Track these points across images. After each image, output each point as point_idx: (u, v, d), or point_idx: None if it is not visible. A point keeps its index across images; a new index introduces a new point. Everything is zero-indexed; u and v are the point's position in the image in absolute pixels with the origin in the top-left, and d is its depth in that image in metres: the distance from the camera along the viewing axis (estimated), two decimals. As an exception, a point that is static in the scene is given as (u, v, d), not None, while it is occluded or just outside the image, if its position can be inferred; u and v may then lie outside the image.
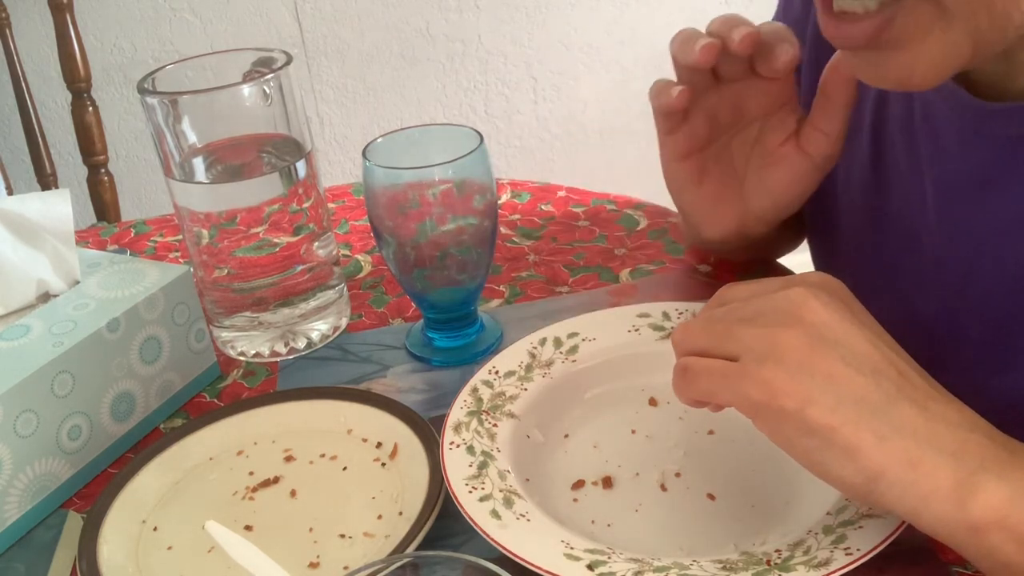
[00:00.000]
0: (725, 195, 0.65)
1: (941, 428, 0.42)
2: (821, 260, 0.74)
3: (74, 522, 0.58)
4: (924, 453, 0.41)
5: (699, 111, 0.63)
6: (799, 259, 0.77)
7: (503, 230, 0.85)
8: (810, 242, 0.76)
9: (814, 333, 0.43)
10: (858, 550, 0.45)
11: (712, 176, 0.65)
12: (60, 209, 0.66)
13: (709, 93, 0.62)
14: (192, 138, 0.65)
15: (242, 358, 0.71)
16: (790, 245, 0.81)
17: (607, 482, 0.55)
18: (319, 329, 0.71)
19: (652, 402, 0.61)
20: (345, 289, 0.74)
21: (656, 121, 0.64)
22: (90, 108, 1.52)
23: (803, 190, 0.63)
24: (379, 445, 0.59)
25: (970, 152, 0.54)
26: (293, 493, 0.57)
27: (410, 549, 0.49)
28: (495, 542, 0.48)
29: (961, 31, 0.44)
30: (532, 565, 0.46)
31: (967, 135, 0.50)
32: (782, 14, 0.73)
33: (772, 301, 0.46)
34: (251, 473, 0.59)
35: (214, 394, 0.68)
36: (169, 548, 0.54)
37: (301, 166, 0.67)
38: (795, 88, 0.62)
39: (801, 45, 0.59)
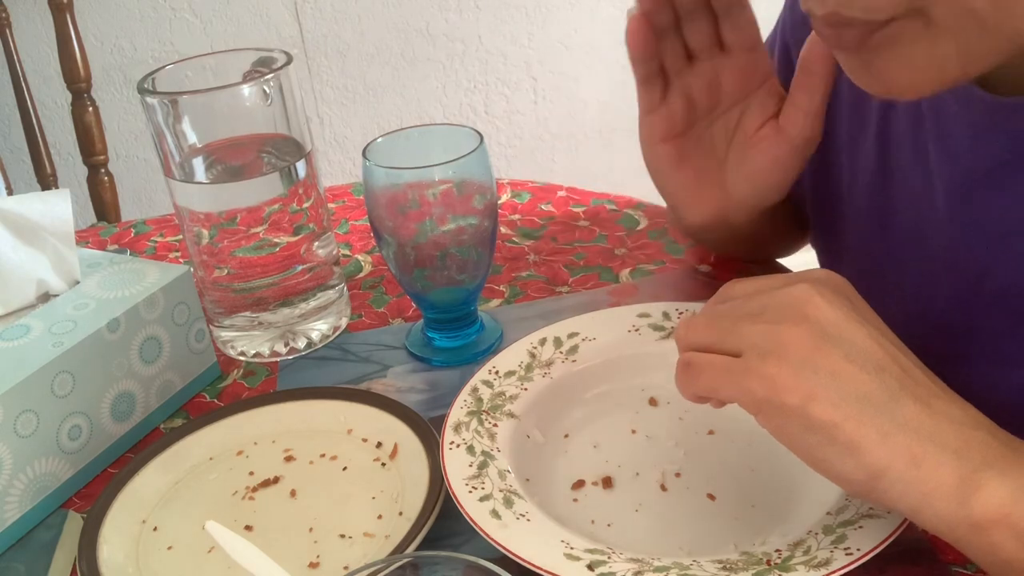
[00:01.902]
0: (705, 181, 0.65)
1: (944, 425, 0.42)
2: (828, 263, 0.74)
3: (74, 522, 0.58)
4: (927, 450, 0.41)
5: (676, 92, 0.63)
6: (800, 259, 0.78)
7: (503, 230, 0.85)
8: (815, 246, 0.76)
9: (818, 330, 0.43)
10: (858, 550, 0.45)
11: (691, 161, 0.65)
12: (60, 209, 0.66)
13: (684, 73, 0.62)
14: (192, 138, 0.65)
15: (242, 358, 0.71)
16: (793, 246, 0.81)
17: (607, 482, 0.55)
18: (319, 329, 0.71)
19: (652, 402, 0.61)
20: (345, 289, 0.74)
21: (638, 96, 0.64)
22: (90, 108, 1.52)
23: (783, 176, 0.63)
24: (379, 445, 0.59)
25: (982, 148, 0.54)
26: (293, 493, 0.57)
27: (410, 549, 0.49)
28: (495, 542, 0.47)
29: (949, 43, 0.44)
30: (532, 565, 0.46)
31: (979, 131, 0.50)
32: (788, 14, 0.73)
33: (776, 297, 0.46)
34: (251, 473, 0.59)
35: (214, 394, 0.68)
36: (169, 548, 0.54)
37: (301, 166, 0.67)
38: (772, 67, 0.62)
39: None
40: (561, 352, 0.62)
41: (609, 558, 0.47)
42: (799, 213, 0.75)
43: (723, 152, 0.64)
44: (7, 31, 1.49)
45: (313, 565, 0.52)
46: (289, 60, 0.65)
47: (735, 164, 0.63)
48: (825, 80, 0.59)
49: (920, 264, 0.61)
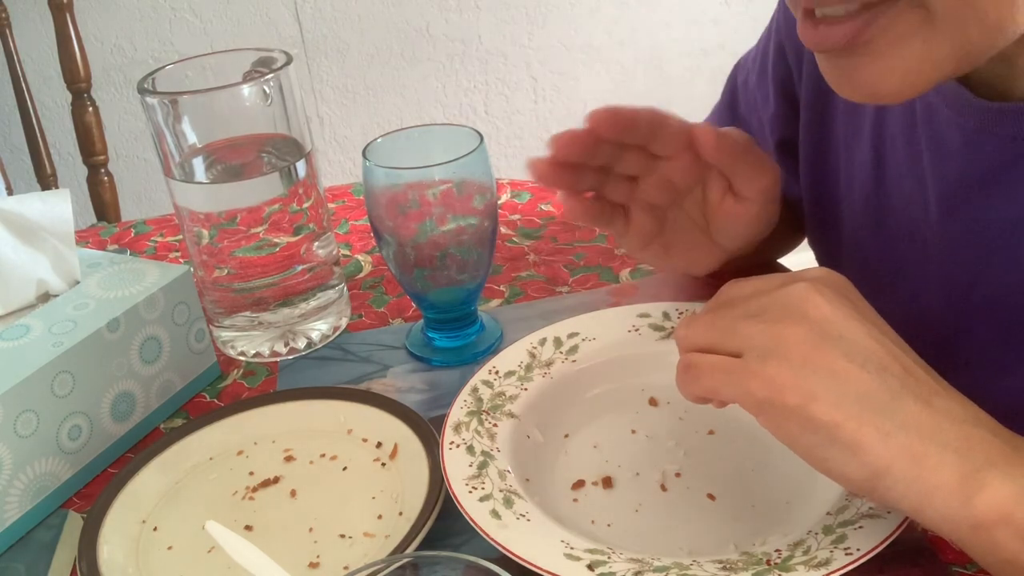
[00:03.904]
0: (697, 250, 0.65)
1: (945, 424, 0.42)
2: (826, 263, 0.74)
3: (74, 522, 0.58)
4: (928, 449, 0.41)
5: (636, 210, 0.63)
6: (800, 259, 0.77)
7: (503, 230, 0.85)
8: (813, 246, 0.76)
9: (817, 329, 0.43)
10: (858, 550, 0.45)
11: (678, 244, 0.65)
12: (60, 209, 0.66)
13: (634, 194, 0.63)
14: (192, 138, 0.65)
15: (242, 358, 0.71)
16: (789, 245, 0.81)
17: (607, 482, 0.55)
18: (319, 329, 0.71)
19: (652, 402, 0.61)
20: (345, 289, 0.74)
21: (601, 229, 0.64)
22: (90, 108, 1.52)
23: (765, 224, 0.63)
24: (379, 445, 0.59)
25: (974, 153, 0.54)
26: (293, 493, 0.57)
27: (410, 549, 0.49)
28: (495, 542, 0.47)
29: (945, 41, 0.43)
30: (532, 565, 0.46)
31: (970, 136, 0.50)
32: (781, 14, 0.72)
33: (775, 297, 0.46)
34: (251, 473, 0.59)
35: (214, 394, 0.68)
36: (169, 548, 0.54)
37: (301, 166, 0.67)
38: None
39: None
40: (561, 352, 0.62)
41: (609, 558, 0.47)
42: (792, 212, 0.75)
43: (702, 220, 0.64)
44: (7, 31, 1.49)
45: (313, 565, 0.52)
46: (289, 60, 0.65)
47: (717, 230, 0.64)
48: (738, 153, 0.59)
49: (913, 267, 0.61)
